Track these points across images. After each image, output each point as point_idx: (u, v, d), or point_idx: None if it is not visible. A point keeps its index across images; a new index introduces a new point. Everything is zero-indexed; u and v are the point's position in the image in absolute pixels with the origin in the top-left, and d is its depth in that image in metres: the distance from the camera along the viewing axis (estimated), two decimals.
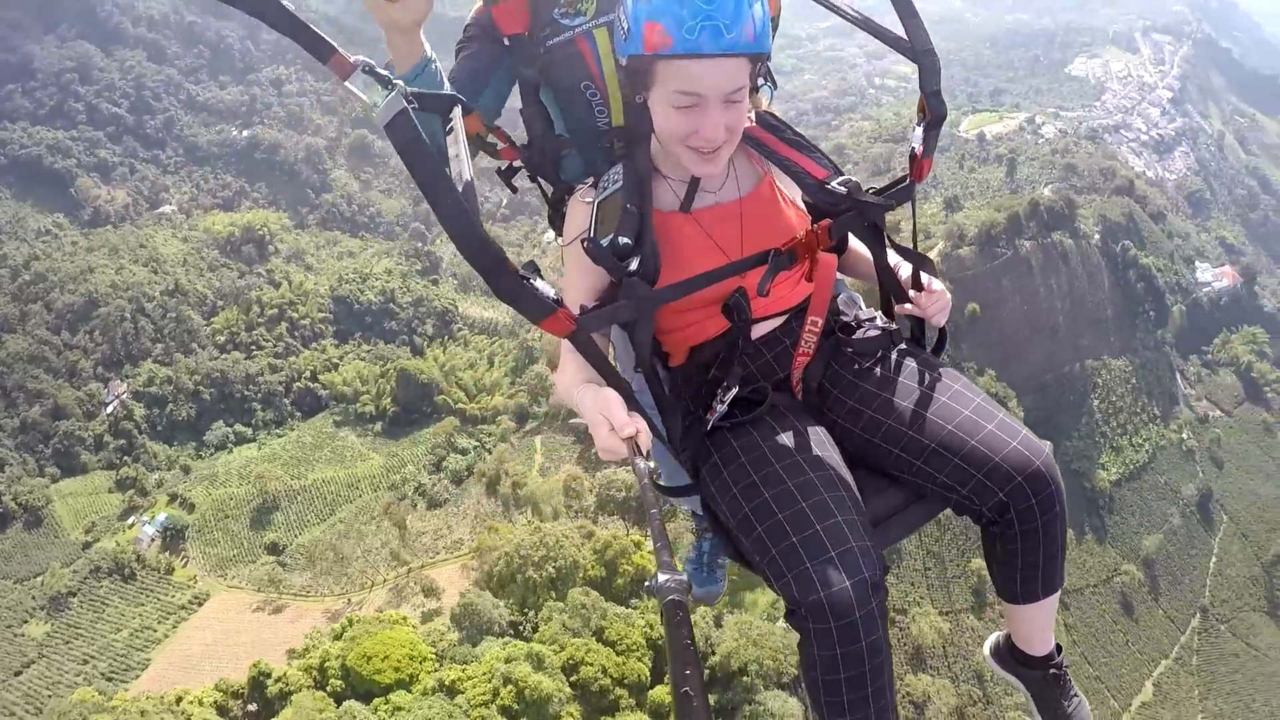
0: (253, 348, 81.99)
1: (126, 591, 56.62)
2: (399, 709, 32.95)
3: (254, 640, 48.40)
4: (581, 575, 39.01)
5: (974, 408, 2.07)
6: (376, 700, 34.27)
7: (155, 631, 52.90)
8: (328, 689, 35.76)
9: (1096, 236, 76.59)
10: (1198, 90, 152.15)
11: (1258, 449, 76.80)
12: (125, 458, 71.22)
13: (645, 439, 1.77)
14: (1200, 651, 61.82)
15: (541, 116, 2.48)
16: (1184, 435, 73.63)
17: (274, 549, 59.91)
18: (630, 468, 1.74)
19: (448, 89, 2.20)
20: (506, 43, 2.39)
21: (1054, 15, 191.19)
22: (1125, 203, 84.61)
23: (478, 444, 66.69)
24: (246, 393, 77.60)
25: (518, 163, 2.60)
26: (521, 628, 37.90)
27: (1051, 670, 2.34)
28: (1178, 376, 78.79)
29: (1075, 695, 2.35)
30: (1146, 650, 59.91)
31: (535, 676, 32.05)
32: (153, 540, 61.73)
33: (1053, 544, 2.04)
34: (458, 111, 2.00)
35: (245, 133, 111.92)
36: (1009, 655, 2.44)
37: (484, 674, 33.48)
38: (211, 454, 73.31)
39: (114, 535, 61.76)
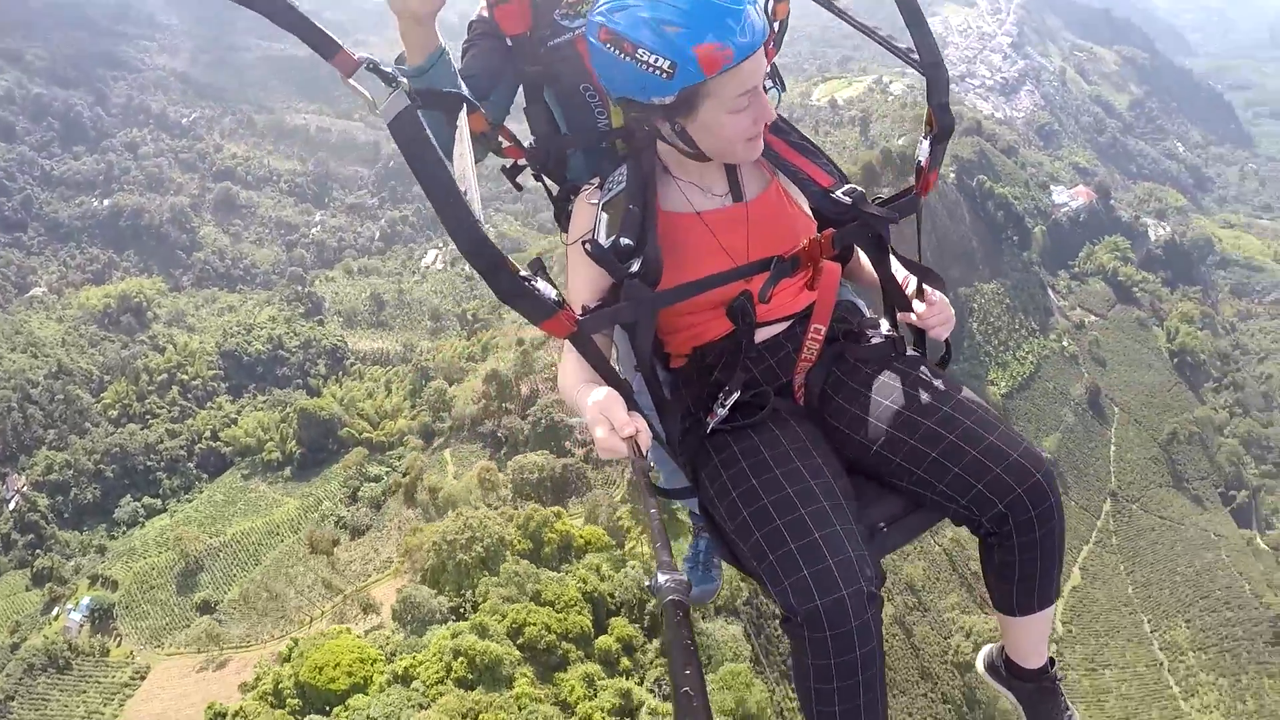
0: (147, 417, 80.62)
1: (65, 683, 55.43)
2: (358, 711, 34.25)
3: (205, 698, 48.51)
4: (510, 550, 40.99)
5: (975, 418, 2.08)
6: (336, 710, 35.41)
7: (103, 715, 52.23)
8: (286, 708, 36.73)
9: (952, 176, 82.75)
10: (1035, 33, 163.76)
11: (1135, 343, 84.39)
12: (36, 551, 69.34)
13: (645, 439, 1.80)
14: (1118, 532, 67.85)
15: (545, 114, 2.54)
16: (1064, 342, 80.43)
17: (206, 608, 59.60)
18: (632, 468, 1.78)
19: (460, 83, 2.28)
20: (509, 43, 2.46)
21: None
22: (975, 142, 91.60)
23: (389, 468, 67.70)
24: (149, 463, 76.35)
25: (523, 161, 2.62)
26: (462, 610, 39.59)
27: (1045, 683, 2.36)
28: (1049, 291, 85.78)
29: (1068, 709, 2.37)
30: (1067, 540, 65.17)
31: (482, 644, 34.00)
32: (81, 626, 60.32)
33: (1050, 557, 2.06)
34: (463, 111, 2.08)
35: (106, 202, 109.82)
36: (1003, 668, 2.46)
37: (434, 655, 35.22)
38: (125, 531, 71.96)
39: (40, 630, 60.29)
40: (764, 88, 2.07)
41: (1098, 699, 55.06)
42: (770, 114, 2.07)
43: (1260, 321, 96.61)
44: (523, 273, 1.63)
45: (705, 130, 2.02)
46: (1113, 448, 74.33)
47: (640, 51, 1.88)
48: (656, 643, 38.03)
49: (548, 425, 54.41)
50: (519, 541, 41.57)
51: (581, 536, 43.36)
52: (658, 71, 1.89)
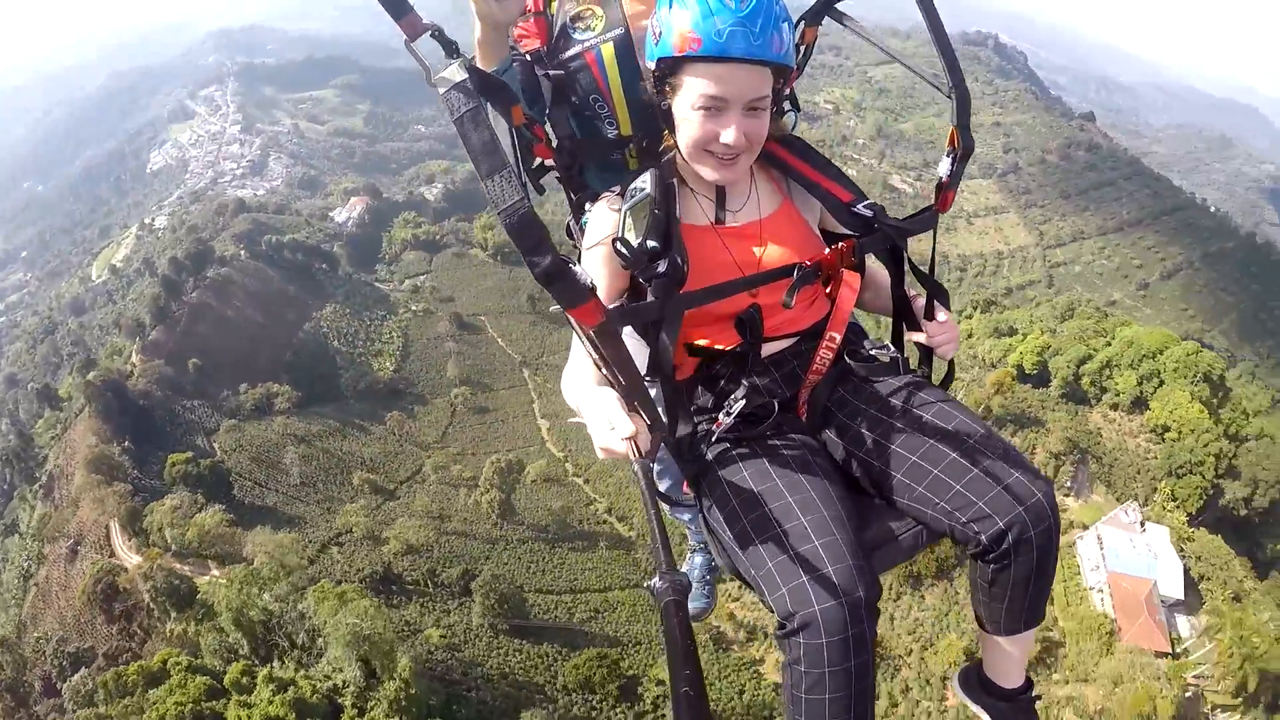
0: None
1: None
2: None
3: None
4: None
5: (978, 438, 2.18)
6: None
7: None
8: None
9: (243, 253, 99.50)
10: (259, 108, 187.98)
11: (466, 274, 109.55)
12: None
13: (645, 440, 1.93)
14: None
15: (567, 119, 2.72)
16: (414, 308, 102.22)
17: None
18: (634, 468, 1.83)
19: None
20: (529, 57, 2.65)
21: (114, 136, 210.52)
22: (247, 216, 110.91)
23: None
24: None
25: (549, 162, 2.80)
26: None
27: (1021, 702, 2.50)
28: (375, 284, 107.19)
29: None
30: None
31: None
32: None
33: (1043, 577, 2.15)
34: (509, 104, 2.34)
35: None
36: (978, 686, 2.58)
37: None
38: None
39: None
40: (772, 112, 2.25)
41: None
42: (734, 145, 2.18)
43: None
44: (562, 255, 1.61)
45: (677, 119, 2.24)
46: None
47: (654, 18, 2.18)
48: None
49: None
50: None
51: None
52: (652, 35, 2.17)
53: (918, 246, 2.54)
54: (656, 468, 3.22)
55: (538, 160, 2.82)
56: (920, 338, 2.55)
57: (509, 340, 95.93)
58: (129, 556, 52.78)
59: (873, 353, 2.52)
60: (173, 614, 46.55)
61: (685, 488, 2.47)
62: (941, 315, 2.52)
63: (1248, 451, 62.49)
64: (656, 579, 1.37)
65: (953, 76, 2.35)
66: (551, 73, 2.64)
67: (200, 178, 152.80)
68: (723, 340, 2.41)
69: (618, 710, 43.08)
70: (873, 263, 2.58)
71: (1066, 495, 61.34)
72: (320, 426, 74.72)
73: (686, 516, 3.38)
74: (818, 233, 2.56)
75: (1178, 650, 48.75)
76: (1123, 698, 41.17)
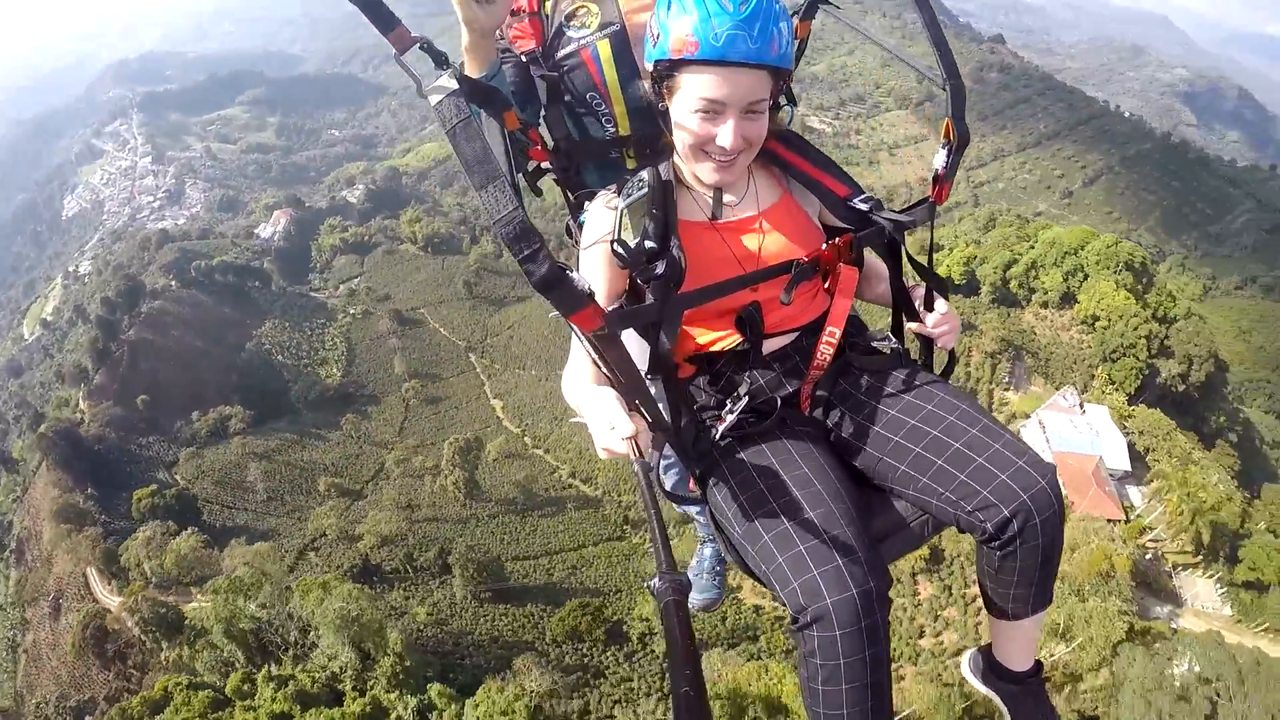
0: None
1: None
2: None
3: None
4: None
5: (981, 426, 2.21)
6: None
7: None
8: None
9: (174, 283, 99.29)
10: (168, 136, 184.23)
11: (400, 269, 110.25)
12: None
13: (645, 440, 1.94)
14: None
15: (564, 119, 2.73)
16: (352, 312, 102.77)
17: None
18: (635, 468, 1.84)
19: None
20: (524, 59, 2.66)
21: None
22: (173, 247, 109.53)
23: None
24: None
25: (546, 164, 2.83)
26: None
27: (1031, 685, 2.54)
28: (312, 294, 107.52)
29: (1053, 711, 2.54)
30: None
31: None
32: None
33: (1049, 562, 2.18)
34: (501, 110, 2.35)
35: None
36: (989, 670, 2.62)
37: None
38: None
39: None
40: (768, 111, 2.24)
41: None
42: (732, 148, 2.19)
43: None
44: (560, 262, 1.63)
45: (675, 121, 2.25)
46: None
47: (653, 18, 2.17)
48: None
49: None
50: None
51: None
52: (651, 37, 2.18)
53: (913, 236, 2.60)
54: (663, 465, 3.24)
55: (534, 163, 2.86)
56: (920, 328, 2.58)
57: (451, 329, 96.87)
58: (111, 599, 53.07)
59: (874, 345, 2.59)
60: (164, 643, 47.17)
61: (691, 485, 2.52)
62: (940, 305, 2.55)
63: (1178, 331, 65.44)
64: (657, 579, 1.36)
65: (947, 70, 2.38)
66: (546, 74, 2.67)
67: (118, 216, 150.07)
68: (724, 337, 2.44)
69: (608, 653, 44.96)
70: (871, 255, 2.63)
71: (1006, 390, 64.10)
72: (278, 441, 75.34)
73: (695, 510, 3.29)
74: (818, 224, 2.56)
75: (1131, 517, 51.05)
76: (1080, 560, 42.79)
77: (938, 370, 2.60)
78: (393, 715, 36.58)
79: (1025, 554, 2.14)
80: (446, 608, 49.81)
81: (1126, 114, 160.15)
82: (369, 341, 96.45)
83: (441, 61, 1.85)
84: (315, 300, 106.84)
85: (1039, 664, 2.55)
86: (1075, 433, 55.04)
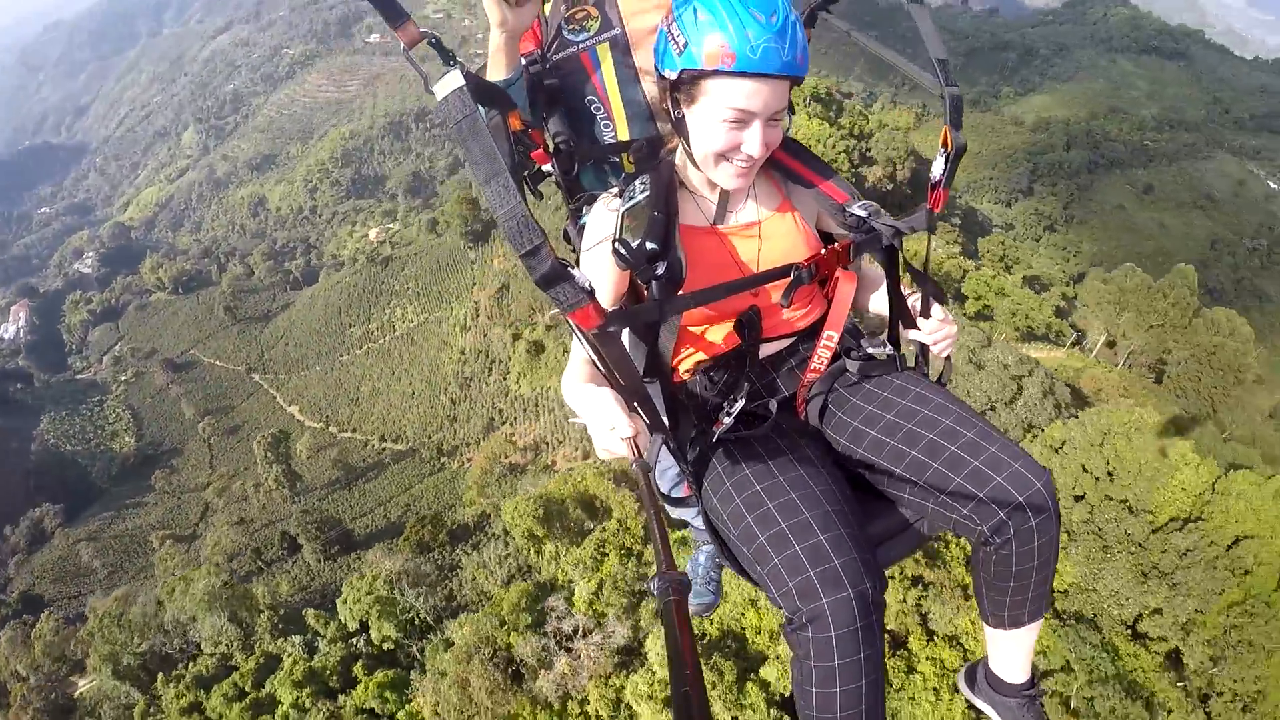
0: None
1: None
2: None
3: None
4: None
5: (977, 430, 2.20)
6: None
7: None
8: None
9: None
10: None
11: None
12: None
13: (645, 440, 1.94)
14: None
15: (564, 123, 2.68)
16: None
17: None
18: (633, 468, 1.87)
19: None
20: (524, 61, 2.58)
21: None
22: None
23: None
24: None
25: (547, 167, 2.79)
26: None
27: (1027, 698, 2.53)
28: None
29: None
30: None
31: None
32: None
33: (1045, 569, 2.19)
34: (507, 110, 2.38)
35: None
36: (985, 682, 2.62)
37: None
38: None
39: None
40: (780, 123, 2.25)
41: None
42: (758, 151, 2.20)
43: None
44: (561, 258, 1.63)
45: (695, 128, 2.22)
46: None
47: (674, 25, 2.13)
48: None
49: None
50: None
51: None
52: (674, 45, 2.13)
53: (910, 244, 2.62)
54: (658, 467, 3.04)
55: (535, 165, 2.85)
56: (917, 335, 2.59)
57: (226, 358, 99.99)
58: None
59: (870, 350, 2.58)
60: None
61: (686, 488, 2.46)
62: (938, 312, 2.56)
63: (876, 141, 73.74)
64: (656, 579, 1.34)
65: (944, 78, 2.41)
66: (546, 81, 2.66)
67: None
68: (722, 341, 2.45)
69: (458, 550, 50.02)
70: (868, 262, 2.64)
71: None
72: (98, 522, 76.94)
73: (690, 514, 3.12)
74: (816, 231, 2.57)
75: None
76: None
77: (934, 376, 2.63)
78: (285, 658, 41.39)
79: (1020, 558, 2.17)
80: (305, 574, 55.94)
81: None
82: (150, 400, 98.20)
83: (448, 58, 1.83)
84: (84, 380, 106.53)
85: (1035, 674, 2.57)
86: None
